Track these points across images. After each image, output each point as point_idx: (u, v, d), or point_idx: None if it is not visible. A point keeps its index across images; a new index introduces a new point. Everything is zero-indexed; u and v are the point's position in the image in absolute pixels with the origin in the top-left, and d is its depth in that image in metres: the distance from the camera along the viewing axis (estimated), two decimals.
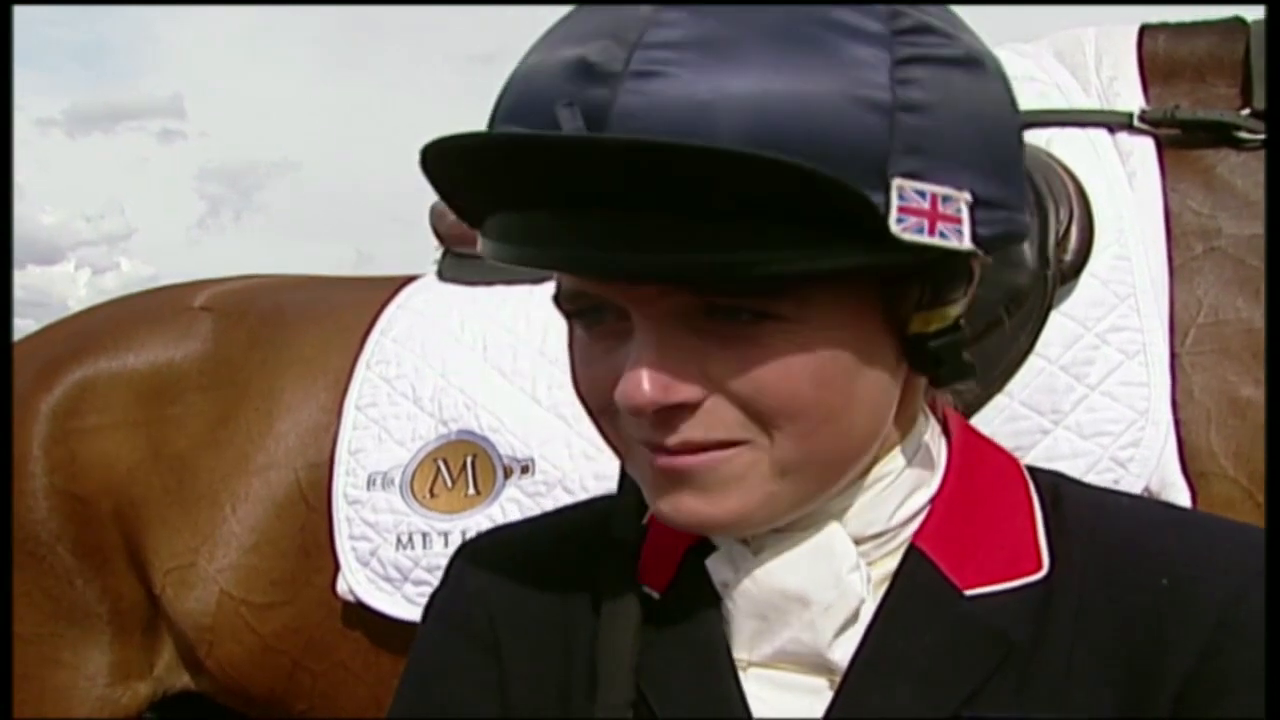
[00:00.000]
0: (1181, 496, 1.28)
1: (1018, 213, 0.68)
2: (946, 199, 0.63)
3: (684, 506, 0.69)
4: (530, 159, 0.63)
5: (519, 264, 0.67)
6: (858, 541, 0.73)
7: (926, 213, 0.62)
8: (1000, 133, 0.67)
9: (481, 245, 0.70)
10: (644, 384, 0.65)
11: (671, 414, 0.67)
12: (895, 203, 0.61)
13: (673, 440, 0.67)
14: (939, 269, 0.66)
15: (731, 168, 0.59)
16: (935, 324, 0.68)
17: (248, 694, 1.69)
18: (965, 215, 0.63)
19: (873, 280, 0.66)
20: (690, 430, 0.67)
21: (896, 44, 0.63)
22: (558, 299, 0.71)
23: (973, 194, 0.64)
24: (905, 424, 0.75)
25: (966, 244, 0.63)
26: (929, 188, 0.62)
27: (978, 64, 0.66)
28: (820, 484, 0.70)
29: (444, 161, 0.67)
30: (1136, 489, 1.27)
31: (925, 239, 0.62)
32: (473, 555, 0.86)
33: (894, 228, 0.61)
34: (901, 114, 0.62)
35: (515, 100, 0.67)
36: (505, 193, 0.66)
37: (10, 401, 1.75)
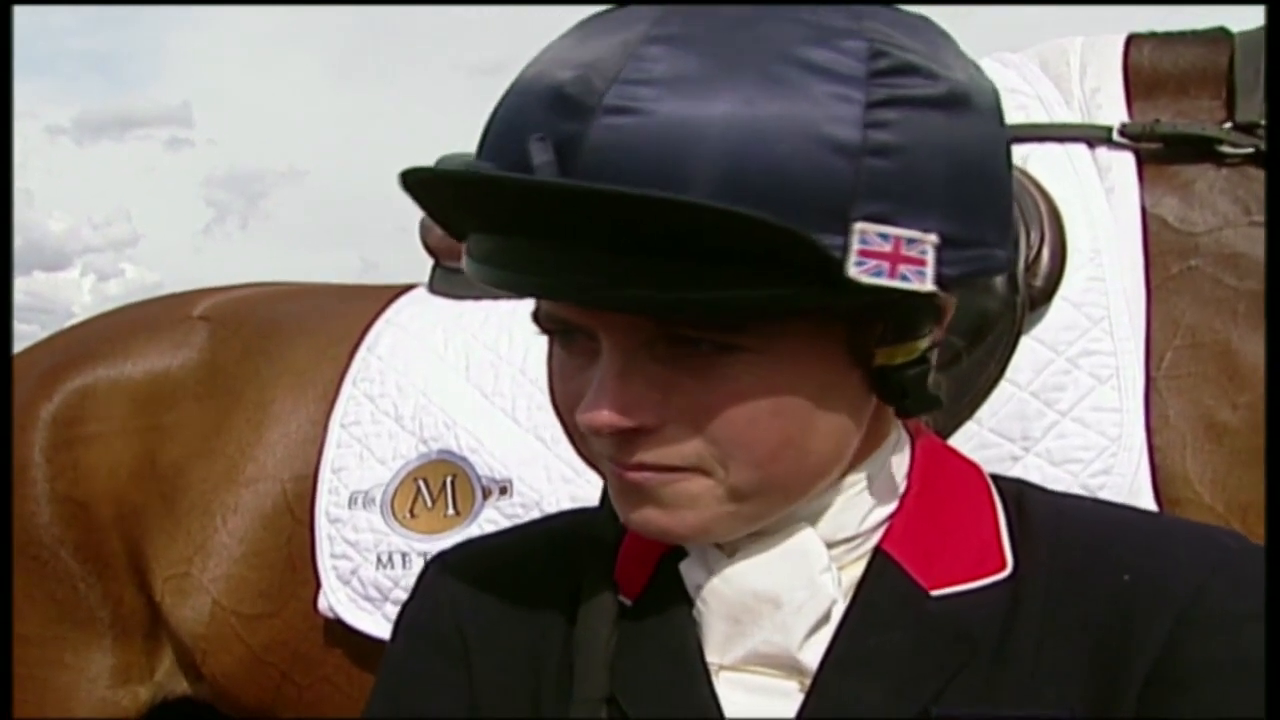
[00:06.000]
0: None
1: (994, 248, 0.68)
2: (911, 241, 0.63)
3: (648, 518, 0.71)
4: (500, 195, 0.65)
5: (498, 288, 0.69)
6: (829, 545, 0.74)
7: (888, 255, 0.62)
8: (980, 171, 0.67)
9: (465, 263, 0.71)
10: (603, 408, 0.67)
11: (629, 436, 0.68)
12: (855, 246, 0.62)
13: (628, 460, 0.69)
14: (902, 307, 0.66)
15: (690, 216, 0.60)
16: (901, 357, 0.68)
17: (240, 704, 1.71)
18: (930, 257, 0.63)
19: (837, 315, 0.67)
20: (644, 453, 0.69)
21: (872, 86, 0.62)
22: (536, 318, 0.73)
23: (941, 235, 0.63)
24: (876, 441, 0.76)
25: (929, 286, 0.63)
26: (893, 231, 0.62)
27: (961, 102, 0.66)
28: (781, 504, 0.71)
29: (423, 188, 0.69)
30: None
31: (885, 281, 0.62)
32: (443, 567, 0.87)
33: (851, 271, 0.62)
34: (870, 158, 0.62)
35: (497, 127, 0.69)
36: (483, 219, 0.69)
37: (10, 406, 1.77)
